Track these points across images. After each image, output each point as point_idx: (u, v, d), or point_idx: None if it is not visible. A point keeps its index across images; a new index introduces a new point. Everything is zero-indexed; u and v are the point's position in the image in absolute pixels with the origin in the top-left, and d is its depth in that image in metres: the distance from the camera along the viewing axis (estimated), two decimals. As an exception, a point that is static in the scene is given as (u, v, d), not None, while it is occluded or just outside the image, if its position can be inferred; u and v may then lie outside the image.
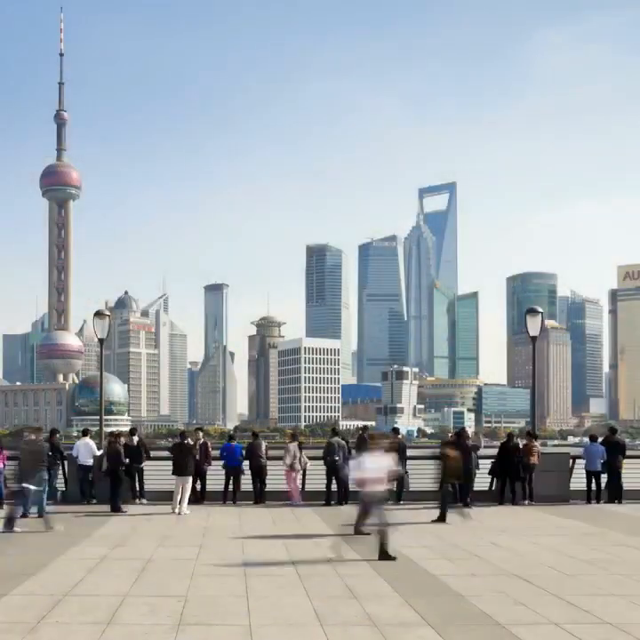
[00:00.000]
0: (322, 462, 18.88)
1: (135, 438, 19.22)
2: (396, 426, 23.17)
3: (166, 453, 20.08)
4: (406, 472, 18.51)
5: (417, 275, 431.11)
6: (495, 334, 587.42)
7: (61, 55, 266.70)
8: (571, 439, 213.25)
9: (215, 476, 19.34)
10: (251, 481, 19.08)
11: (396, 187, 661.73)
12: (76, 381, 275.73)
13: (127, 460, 17.94)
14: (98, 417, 22.40)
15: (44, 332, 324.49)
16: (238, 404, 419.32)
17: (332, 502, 18.47)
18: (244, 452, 19.18)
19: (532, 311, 21.85)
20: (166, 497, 18.09)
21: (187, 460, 17.30)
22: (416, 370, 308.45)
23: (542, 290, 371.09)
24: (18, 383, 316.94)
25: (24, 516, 14.76)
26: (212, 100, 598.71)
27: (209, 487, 19.17)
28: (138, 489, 18.87)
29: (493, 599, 8.86)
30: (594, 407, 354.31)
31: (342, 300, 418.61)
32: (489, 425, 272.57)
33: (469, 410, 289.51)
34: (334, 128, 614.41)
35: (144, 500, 18.65)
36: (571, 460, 19.78)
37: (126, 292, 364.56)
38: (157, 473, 18.97)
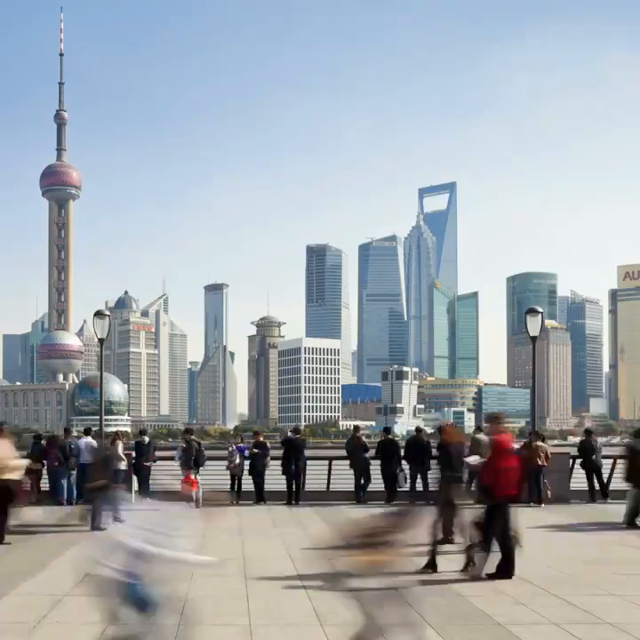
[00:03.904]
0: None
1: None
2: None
3: (168, 453, 20.37)
4: (401, 470, 18.76)
5: (417, 275, 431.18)
6: (495, 334, 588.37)
7: (61, 55, 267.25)
8: (571, 439, 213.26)
9: (220, 476, 19.52)
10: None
11: (395, 187, 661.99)
12: (76, 381, 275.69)
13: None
14: (98, 417, 22.42)
15: (44, 332, 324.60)
16: (238, 403, 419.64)
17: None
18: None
19: (532, 311, 21.84)
20: (169, 497, 18.12)
21: None
22: (416, 370, 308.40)
23: (542, 290, 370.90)
24: (18, 383, 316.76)
25: None
26: (212, 101, 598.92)
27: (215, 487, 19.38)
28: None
29: (493, 599, 8.86)
30: (594, 407, 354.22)
31: (342, 299, 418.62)
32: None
33: (469, 410, 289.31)
34: (334, 128, 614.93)
35: (148, 500, 18.71)
36: (571, 460, 19.80)
37: (126, 292, 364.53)
38: (163, 473, 19.03)
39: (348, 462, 19.31)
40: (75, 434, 20.61)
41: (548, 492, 18.57)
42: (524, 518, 16.35)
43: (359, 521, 5.85)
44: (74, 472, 18.22)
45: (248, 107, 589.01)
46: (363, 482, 18.97)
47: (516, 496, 10.59)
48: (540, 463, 18.38)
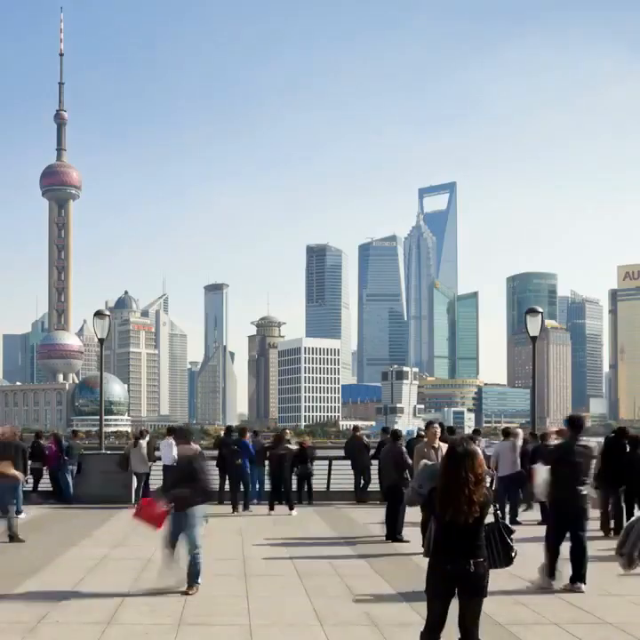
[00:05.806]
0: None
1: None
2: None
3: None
4: None
5: (417, 275, 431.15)
6: (495, 334, 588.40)
7: (61, 55, 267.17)
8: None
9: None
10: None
11: (395, 187, 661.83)
12: (76, 381, 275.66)
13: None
14: (98, 417, 22.41)
15: (44, 332, 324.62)
16: (238, 403, 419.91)
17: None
18: None
19: (532, 311, 21.86)
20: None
21: None
22: (416, 370, 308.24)
23: (542, 290, 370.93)
24: (18, 383, 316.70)
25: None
26: (212, 101, 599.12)
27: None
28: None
29: (493, 599, 8.84)
30: (594, 407, 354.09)
31: (342, 300, 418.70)
32: (489, 425, 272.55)
33: (469, 410, 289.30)
34: (334, 129, 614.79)
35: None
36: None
37: (126, 292, 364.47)
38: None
39: (348, 462, 19.33)
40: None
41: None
42: (524, 518, 16.37)
43: None
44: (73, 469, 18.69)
45: (248, 107, 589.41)
46: (363, 482, 18.98)
47: None
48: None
